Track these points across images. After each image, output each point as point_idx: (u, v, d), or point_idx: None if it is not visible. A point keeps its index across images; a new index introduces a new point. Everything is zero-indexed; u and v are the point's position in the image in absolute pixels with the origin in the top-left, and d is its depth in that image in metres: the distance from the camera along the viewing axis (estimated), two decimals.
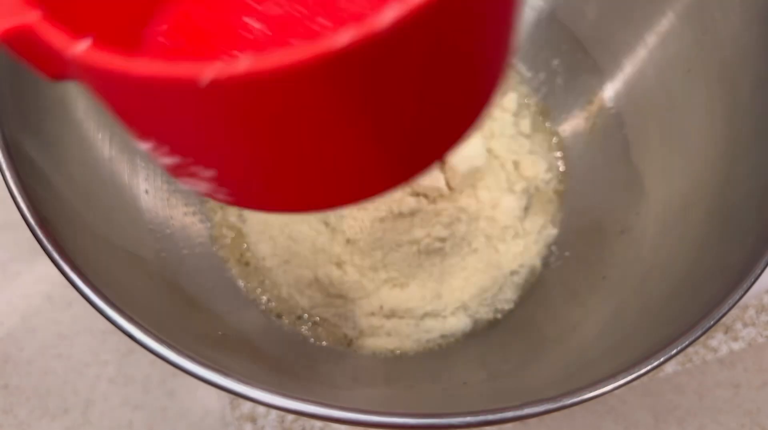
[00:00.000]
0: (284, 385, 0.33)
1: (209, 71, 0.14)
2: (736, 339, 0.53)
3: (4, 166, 0.30)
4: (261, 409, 0.49)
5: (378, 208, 0.44)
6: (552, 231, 0.50)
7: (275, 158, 0.18)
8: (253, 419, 0.48)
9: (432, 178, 0.44)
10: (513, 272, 0.49)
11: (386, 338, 0.47)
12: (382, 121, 0.17)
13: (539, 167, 0.51)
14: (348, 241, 0.46)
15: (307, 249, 0.47)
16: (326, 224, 0.47)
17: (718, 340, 0.53)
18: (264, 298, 0.48)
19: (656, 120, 0.44)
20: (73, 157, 0.37)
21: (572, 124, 0.52)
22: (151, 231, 0.42)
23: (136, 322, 0.28)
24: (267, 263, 0.49)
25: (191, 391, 0.50)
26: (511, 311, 0.48)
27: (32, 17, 0.16)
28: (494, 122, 0.52)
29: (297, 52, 0.14)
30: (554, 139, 0.53)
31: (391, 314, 0.47)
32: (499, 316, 0.48)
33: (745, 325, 0.53)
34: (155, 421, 0.49)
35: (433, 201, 0.45)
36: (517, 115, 0.54)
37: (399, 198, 0.44)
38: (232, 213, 0.50)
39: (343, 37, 0.13)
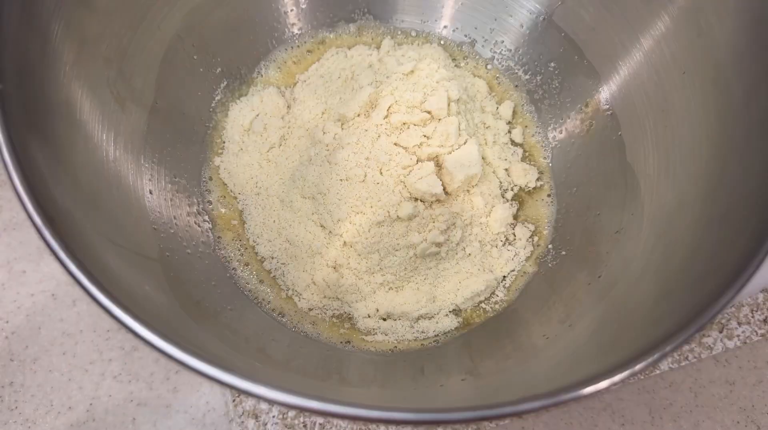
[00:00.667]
0: (286, 381, 0.34)
1: None
2: (731, 337, 0.53)
3: (11, 167, 0.30)
4: (263, 405, 0.49)
5: (376, 212, 0.45)
6: (543, 236, 0.51)
7: None
8: (255, 415, 0.49)
9: (430, 184, 0.44)
10: (505, 276, 0.50)
11: (382, 338, 0.48)
12: None
13: (530, 176, 0.52)
14: (345, 244, 0.46)
15: (304, 252, 0.47)
16: (323, 227, 0.47)
17: (713, 338, 0.53)
18: (264, 298, 0.48)
19: (651, 122, 0.44)
20: (79, 157, 0.38)
21: (568, 126, 0.53)
22: (155, 231, 0.43)
23: (141, 319, 0.28)
24: (266, 265, 0.50)
25: (194, 388, 0.50)
26: (504, 311, 0.49)
27: None
28: (488, 130, 0.53)
29: None
30: (548, 142, 0.54)
31: (387, 317, 0.48)
32: (491, 316, 0.49)
33: (740, 323, 0.54)
34: (159, 417, 0.49)
35: (430, 206, 0.46)
36: (511, 122, 0.54)
37: (396, 202, 0.45)
38: (234, 215, 0.51)
39: None
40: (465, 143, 0.47)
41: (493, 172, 0.51)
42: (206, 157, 0.51)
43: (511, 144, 0.54)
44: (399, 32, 0.57)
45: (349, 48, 0.56)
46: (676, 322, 0.30)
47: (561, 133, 0.53)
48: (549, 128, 0.54)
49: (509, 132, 0.54)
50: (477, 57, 0.56)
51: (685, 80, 0.42)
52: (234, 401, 0.49)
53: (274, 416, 0.49)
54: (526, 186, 0.52)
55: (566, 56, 0.51)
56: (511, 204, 0.51)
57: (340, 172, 0.46)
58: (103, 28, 0.41)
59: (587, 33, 0.49)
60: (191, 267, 0.44)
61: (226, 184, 0.51)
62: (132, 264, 0.37)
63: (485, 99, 0.55)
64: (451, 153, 0.46)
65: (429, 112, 0.47)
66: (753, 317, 0.54)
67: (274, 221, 0.49)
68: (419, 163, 0.46)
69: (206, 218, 0.49)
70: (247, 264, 0.49)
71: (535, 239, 0.51)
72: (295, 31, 0.55)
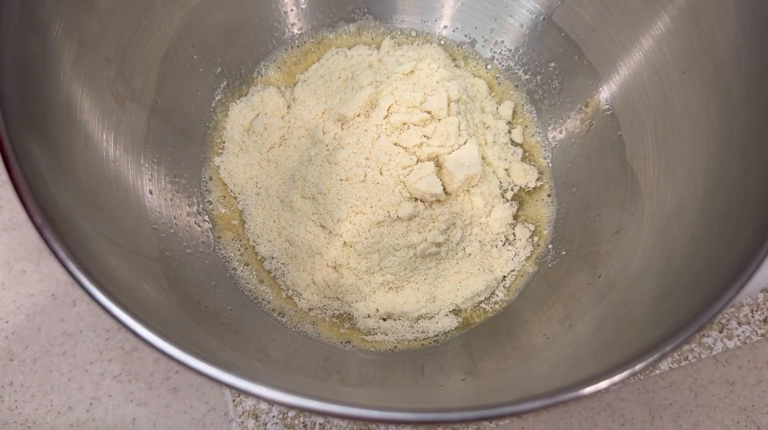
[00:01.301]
0: (286, 381, 0.34)
1: None
2: (731, 337, 0.53)
3: (11, 167, 0.30)
4: (263, 405, 0.49)
5: (376, 212, 0.45)
6: (543, 236, 0.51)
7: None
8: (255, 415, 0.49)
9: (430, 184, 0.44)
10: (505, 276, 0.50)
11: (382, 338, 0.48)
12: None
13: (530, 176, 0.52)
14: (345, 244, 0.46)
15: (304, 252, 0.47)
16: (323, 227, 0.47)
17: (713, 338, 0.53)
18: (264, 298, 0.48)
19: (651, 121, 0.44)
20: (79, 158, 0.38)
21: (568, 126, 0.53)
22: (155, 231, 0.43)
23: (141, 319, 0.28)
24: (266, 265, 0.50)
25: (194, 387, 0.50)
26: (504, 311, 0.49)
27: None
28: (488, 130, 0.53)
29: None
30: (548, 142, 0.54)
31: (387, 316, 0.48)
32: (491, 316, 0.49)
33: (740, 323, 0.54)
34: (159, 417, 0.49)
35: (430, 206, 0.46)
36: (510, 122, 0.54)
37: (396, 202, 0.45)
38: (234, 215, 0.51)
39: None
40: (465, 143, 0.47)
41: (493, 172, 0.51)
42: (206, 157, 0.51)
43: (511, 144, 0.54)
44: (399, 32, 0.57)
45: (349, 48, 0.56)
46: (676, 322, 0.30)
47: (561, 133, 0.53)
48: (549, 128, 0.54)
49: (509, 132, 0.54)
50: (477, 57, 0.56)
51: (685, 80, 0.42)
52: (234, 401, 0.49)
53: (274, 416, 0.49)
54: (526, 186, 0.52)
55: (566, 56, 0.51)
56: (511, 204, 0.51)
57: (340, 172, 0.46)
58: (103, 28, 0.41)
59: (587, 33, 0.49)
60: (191, 267, 0.44)
61: (226, 184, 0.51)
62: (132, 264, 0.37)
63: (485, 99, 0.55)
64: (451, 153, 0.46)
65: (429, 112, 0.47)
66: (753, 317, 0.54)
67: (274, 221, 0.49)
68: (419, 163, 0.46)
69: (206, 217, 0.49)
70: (247, 264, 0.49)
71: (535, 238, 0.51)
72: (295, 31, 0.55)
